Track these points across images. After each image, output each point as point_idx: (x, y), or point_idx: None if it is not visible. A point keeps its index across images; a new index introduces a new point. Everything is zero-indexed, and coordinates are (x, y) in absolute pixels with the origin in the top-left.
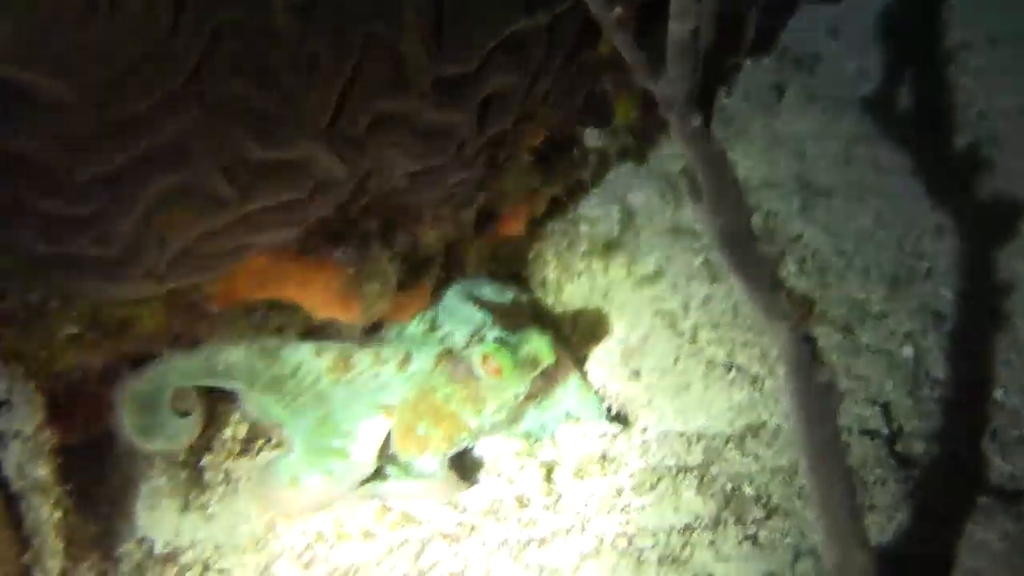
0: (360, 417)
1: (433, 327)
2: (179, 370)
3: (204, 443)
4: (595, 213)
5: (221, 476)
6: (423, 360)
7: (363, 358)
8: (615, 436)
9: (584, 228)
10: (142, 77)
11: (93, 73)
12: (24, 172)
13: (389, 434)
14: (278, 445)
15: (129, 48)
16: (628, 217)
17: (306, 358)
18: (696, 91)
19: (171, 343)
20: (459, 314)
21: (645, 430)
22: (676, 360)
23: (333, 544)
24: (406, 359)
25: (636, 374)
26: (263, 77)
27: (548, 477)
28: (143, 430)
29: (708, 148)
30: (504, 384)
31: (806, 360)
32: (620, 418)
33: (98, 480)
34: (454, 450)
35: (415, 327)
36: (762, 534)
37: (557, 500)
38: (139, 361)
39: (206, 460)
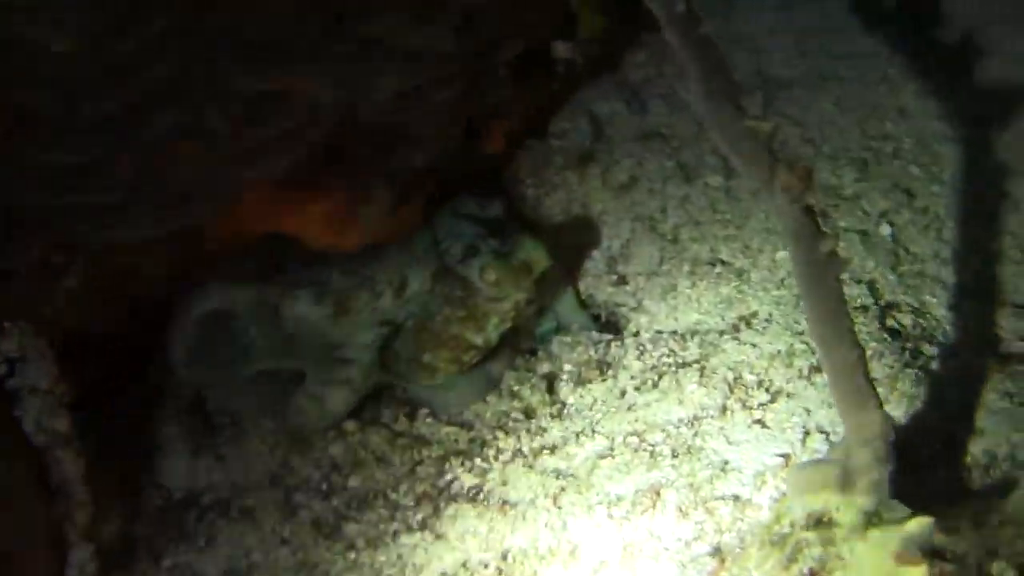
0: (363, 336)
1: (426, 245)
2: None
3: None
4: (564, 126)
5: (228, 419)
6: (418, 281)
7: (360, 296)
8: (609, 343)
9: (555, 142)
10: (131, 17)
11: (85, 18)
12: (22, 123)
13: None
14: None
15: None
16: (597, 127)
17: (306, 311)
18: None
19: (174, 287)
20: (451, 230)
21: (638, 333)
22: (660, 262)
23: (348, 472)
24: (402, 284)
25: (622, 280)
26: (248, 5)
27: (550, 388)
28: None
29: (696, 32)
30: (503, 293)
31: (810, 229)
32: (611, 325)
33: (110, 432)
34: (464, 368)
35: (409, 246)
36: (769, 417)
37: (562, 408)
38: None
39: (210, 406)
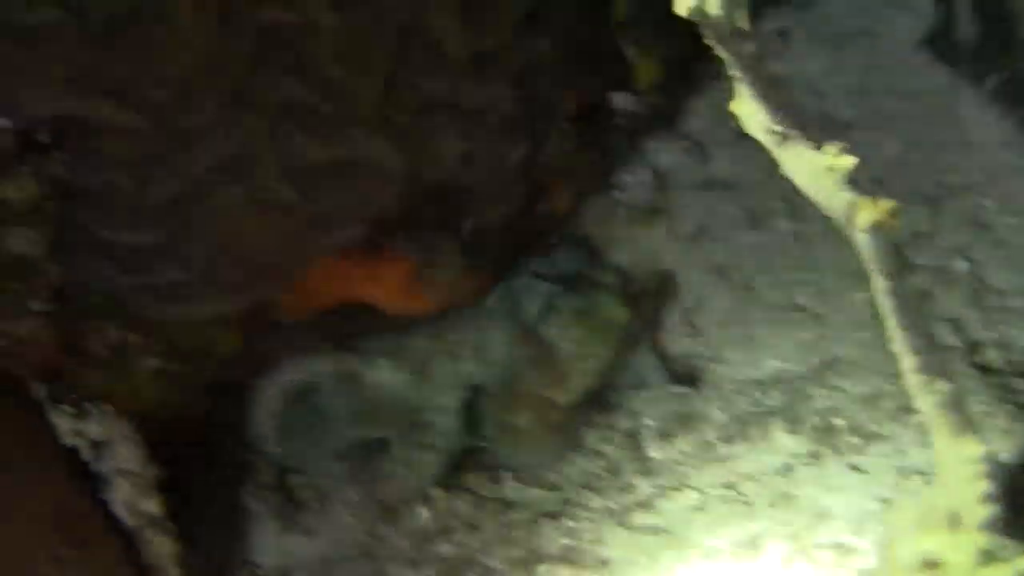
0: (446, 400)
1: (503, 306)
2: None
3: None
4: (627, 179)
5: (314, 492)
6: (498, 343)
7: (441, 361)
8: (689, 395)
9: (619, 195)
10: (196, 89)
11: (150, 92)
12: (93, 205)
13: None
14: None
15: (181, 60)
16: (660, 179)
17: (387, 378)
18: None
19: (250, 364)
20: (527, 289)
21: (718, 384)
22: (735, 311)
23: (439, 540)
24: (482, 347)
25: (697, 331)
26: (311, 75)
27: (634, 444)
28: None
29: (764, 69)
30: (585, 351)
31: (898, 265)
32: (689, 378)
33: (198, 511)
34: (550, 429)
35: (486, 308)
36: (863, 461)
37: (648, 464)
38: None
39: (295, 480)
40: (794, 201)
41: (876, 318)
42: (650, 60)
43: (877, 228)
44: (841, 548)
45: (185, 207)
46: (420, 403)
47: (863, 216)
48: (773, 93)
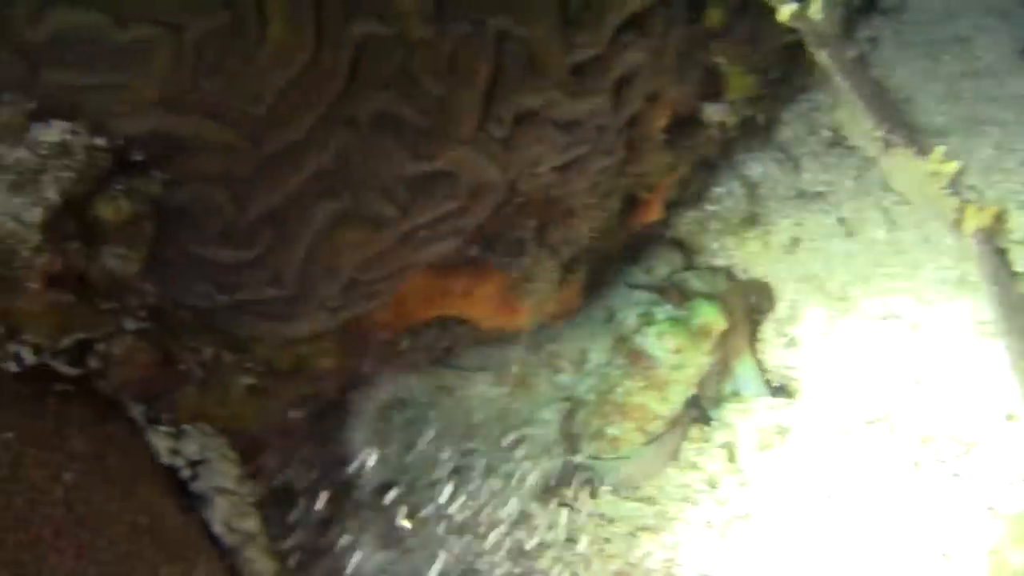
0: (545, 413)
1: (600, 317)
2: None
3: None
4: (719, 190)
5: (412, 508)
6: (597, 354)
7: (540, 373)
8: (785, 407)
9: (711, 207)
10: (293, 104)
11: (246, 108)
12: (189, 223)
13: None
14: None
15: (276, 76)
16: (752, 189)
17: (486, 392)
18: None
19: (346, 380)
20: (624, 300)
21: (814, 395)
22: (830, 321)
23: (536, 555)
24: (581, 359)
25: (792, 342)
26: (407, 88)
27: (730, 457)
28: None
29: (867, 74)
30: (684, 360)
31: (1005, 270)
32: (784, 389)
33: (296, 529)
34: (649, 440)
35: (583, 320)
36: (965, 468)
37: (746, 476)
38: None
39: (393, 496)
40: (888, 210)
41: (976, 324)
42: (742, 71)
43: (984, 233)
44: (945, 556)
45: (280, 224)
46: (520, 416)
47: (970, 221)
48: (876, 99)
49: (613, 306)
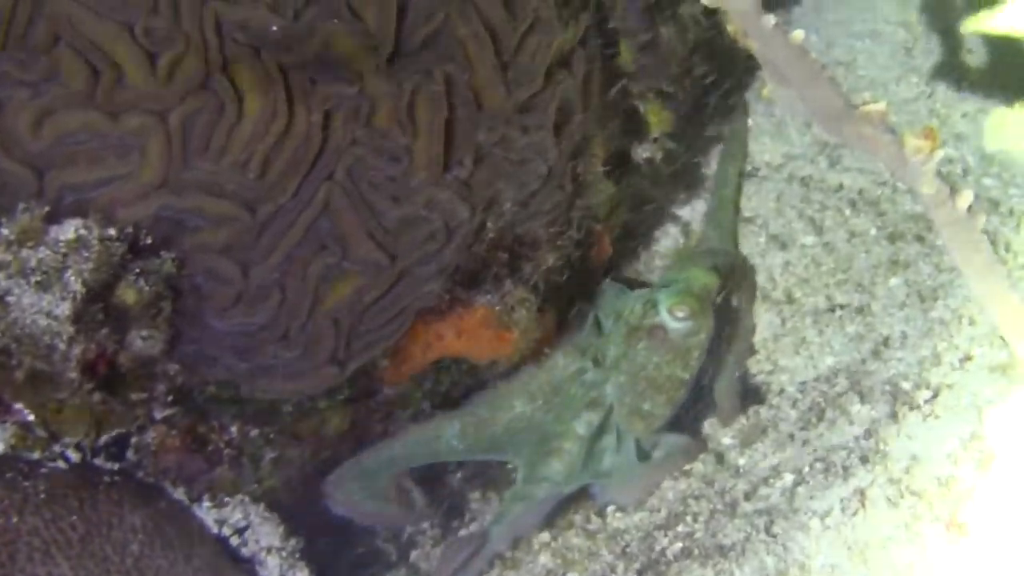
0: (573, 416)
1: (598, 330)
2: (404, 450)
3: None
4: (655, 232)
5: (431, 540)
6: (614, 349)
7: (565, 369)
8: (758, 408)
9: (652, 246)
10: (278, 170)
11: (238, 179)
12: (203, 297)
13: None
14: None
15: (259, 145)
16: (685, 225)
17: (515, 406)
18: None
19: (357, 439)
20: (619, 302)
21: (782, 390)
22: (783, 323)
23: (564, 572)
24: (601, 355)
25: (751, 349)
26: (377, 141)
27: (719, 460)
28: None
29: (786, 42)
30: (698, 325)
31: (946, 191)
32: (754, 393)
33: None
34: (674, 411)
35: (581, 337)
36: (939, 409)
37: (738, 470)
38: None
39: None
40: (812, 218)
41: (914, 294)
42: (658, 106)
43: (923, 154)
44: (939, 480)
45: (282, 283)
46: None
47: (908, 147)
48: (813, 75)
49: (607, 313)
